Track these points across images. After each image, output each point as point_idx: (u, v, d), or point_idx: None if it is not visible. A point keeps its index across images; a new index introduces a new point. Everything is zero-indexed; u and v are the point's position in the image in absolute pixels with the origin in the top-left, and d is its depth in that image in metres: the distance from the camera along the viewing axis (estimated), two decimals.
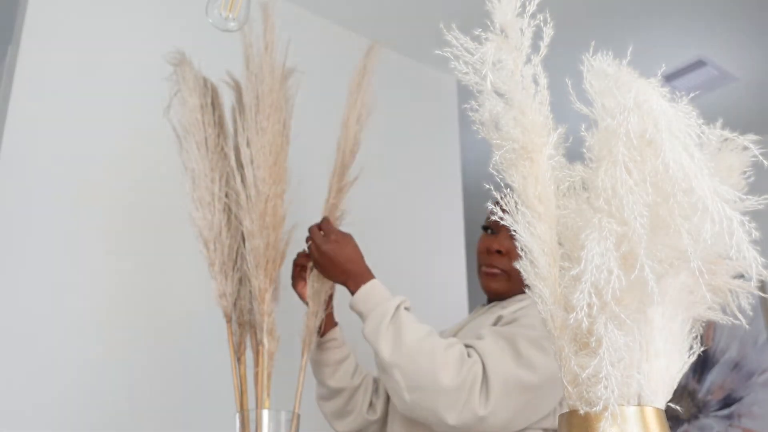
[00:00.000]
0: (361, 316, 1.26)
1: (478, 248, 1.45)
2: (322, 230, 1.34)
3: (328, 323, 1.40)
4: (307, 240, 1.36)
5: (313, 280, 1.35)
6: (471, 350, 1.19)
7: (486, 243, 1.42)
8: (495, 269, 1.39)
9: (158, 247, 1.73)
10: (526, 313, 1.26)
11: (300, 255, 1.40)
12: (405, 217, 2.27)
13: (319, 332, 1.38)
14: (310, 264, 1.36)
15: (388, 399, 1.41)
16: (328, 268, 1.31)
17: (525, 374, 1.14)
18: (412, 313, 1.25)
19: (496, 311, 1.35)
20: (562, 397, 1.20)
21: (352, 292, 1.28)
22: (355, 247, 1.33)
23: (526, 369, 1.15)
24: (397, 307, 1.23)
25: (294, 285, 1.40)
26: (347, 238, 1.33)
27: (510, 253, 1.37)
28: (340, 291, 1.37)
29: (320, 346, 1.39)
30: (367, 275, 1.29)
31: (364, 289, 1.27)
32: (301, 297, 1.39)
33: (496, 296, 1.42)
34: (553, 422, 1.22)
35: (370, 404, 1.42)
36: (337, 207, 1.40)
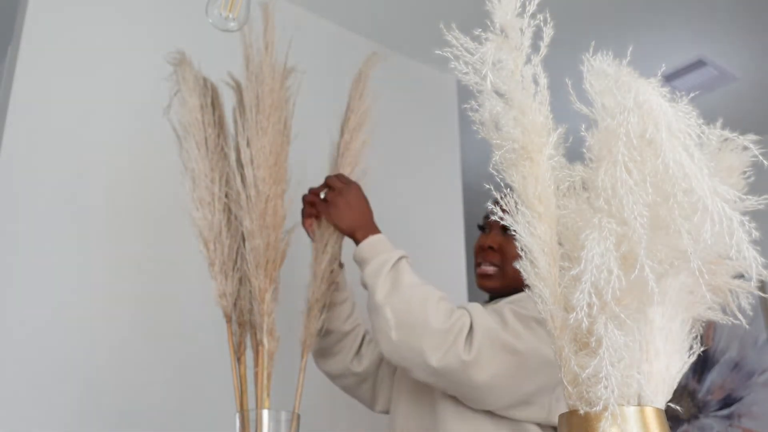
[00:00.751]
0: (362, 263, 1.28)
1: (474, 248, 1.48)
2: (341, 180, 1.36)
3: None
4: (321, 188, 1.38)
5: (320, 246, 1.36)
6: (461, 308, 1.23)
7: (479, 241, 1.45)
8: (488, 268, 1.41)
9: (158, 247, 1.73)
10: (520, 298, 1.29)
11: (310, 191, 1.41)
12: (405, 217, 2.27)
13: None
14: (317, 222, 1.37)
15: (379, 364, 1.44)
16: (344, 213, 1.33)
17: (510, 338, 1.17)
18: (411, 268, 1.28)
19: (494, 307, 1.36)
20: (559, 395, 1.20)
21: (358, 242, 1.30)
22: (369, 204, 1.36)
23: (511, 336, 1.17)
24: (400, 258, 1.26)
25: (303, 222, 1.41)
26: (364, 194, 1.37)
27: (501, 247, 1.39)
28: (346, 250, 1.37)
29: None
30: (375, 229, 1.33)
31: (372, 239, 1.29)
32: (309, 233, 1.41)
33: (493, 294, 1.43)
34: (546, 417, 1.21)
35: (357, 353, 1.45)
36: None
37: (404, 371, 1.24)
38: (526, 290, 0.65)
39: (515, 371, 1.16)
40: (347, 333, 1.44)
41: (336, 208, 1.33)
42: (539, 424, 1.23)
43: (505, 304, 1.27)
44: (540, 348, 1.16)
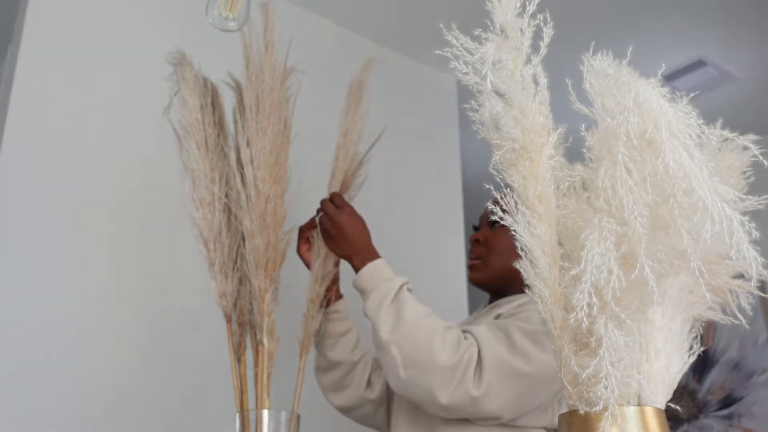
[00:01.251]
0: (363, 292, 1.26)
1: None
2: (335, 203, 1.35)
3: (334, 295, 1.41)
4: (318, 211, 1.37)
5: (319, 247, 1.36)
6: (467, 335, 1.20)
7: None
8: (474, 261, 1.42)
9: (158, 247, 1.73)
10: (524, 309, 1.28)
11: (307, 223, 1.41)
12: (405, 217, 2.27)
13: (324, 304, 1.38)
14: (315, 232, 1.37)
15: (389, 386, 1.41)
16: (338, 241, 1.32)
17: (519, 362, 1.15)
18: (413, 295, 1.26)
19: (496, 310, 1.36)
20: (561, 397, 1.20)
21: (357, 269, 1.29)
22: (365, 225, 1.34)
23: (520, 358, 1.16)
24: (401, 287, 1.24)
25: (298, 248, 1.41)
26: (359, 215, 1.35)
27: (487, 240, 1.40)
28: (345, 270, 1.37)
29: (323, 317, 1.41)
30: (373, 254, 1.30)
31: (370, 267, 1.27)
32: (305, 261, 1.40)
33: (482, 286, 1.44)
34: (551, 420, 1.22)
35: (369, 382, 1.43)
36: None
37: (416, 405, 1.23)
38: (527, 291, 0.65)
39: (524, 393, 1.17)
40: (357, 362, 1.42)
41: (329, 236, 1.33)
42: (545, 428, 1.23)
43: (510, 319, 1.26)
44: (549, 363, 1.15)
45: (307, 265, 1.40)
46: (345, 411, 1.46)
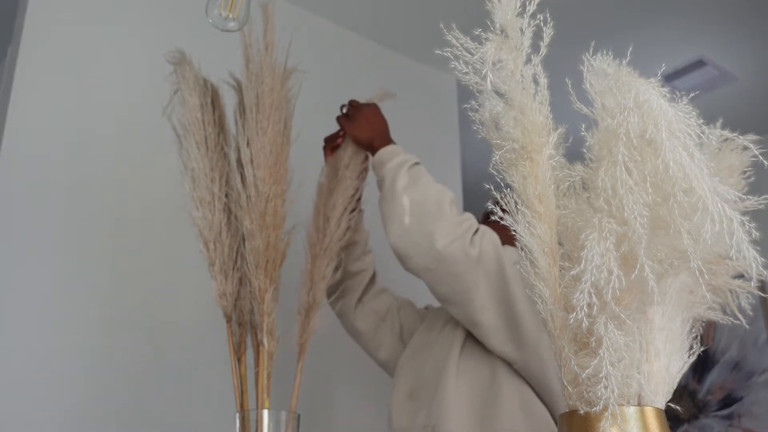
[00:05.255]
0: (382, 164, 1.33)
1: None
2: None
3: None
4: (342, 107, 1.46)
5: (314, 245, 1.38)
6: None
7: None
8: None
9: (158, 247, 1.73)
10: None
11: (331, 134, 1.49)
12: None
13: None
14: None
15: (376, 329, 1.46)
16: (361, 124, 1.41)
17: (504, 261, 1.21)
18: None
19: None
20: (544, 343, 1.18)
21: (376, 149, 1.36)
22: (386, 121, 1.44)
23: (506, 261, 1.21)
24: (418, 162, 1.34)
25: (325, 159, 1.49)
26: (381, 113, 1.45)
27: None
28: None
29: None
30: (393, 141, 1.40)
31: (392, 147, 1.36)
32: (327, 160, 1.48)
33: None
34: (529, 363, 1.21)
35: (360, 301, 1.49)
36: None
37: (403, 260, 1.25)
38: (527, 291, 0.65)
39: (497, 291, 1.19)
40: (353, 274, 1.47)
41: (356, 121, 1.42)
42: (531, 386, 1.22)
43: None
44: (529, 298, 1.16)
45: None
46: (337, 315, 1.52)
